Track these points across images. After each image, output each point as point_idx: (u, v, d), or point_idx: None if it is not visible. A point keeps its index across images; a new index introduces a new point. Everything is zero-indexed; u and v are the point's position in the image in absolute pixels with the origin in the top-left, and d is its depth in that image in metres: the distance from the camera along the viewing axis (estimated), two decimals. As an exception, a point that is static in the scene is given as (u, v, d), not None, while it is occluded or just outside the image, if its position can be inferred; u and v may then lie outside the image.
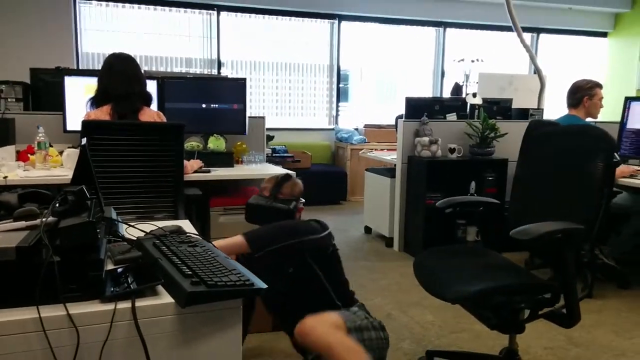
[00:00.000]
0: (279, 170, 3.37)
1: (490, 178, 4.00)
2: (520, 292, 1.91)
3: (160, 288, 1.11)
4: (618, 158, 1.94)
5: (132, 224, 1.62)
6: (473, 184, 4.00)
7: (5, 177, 2.62)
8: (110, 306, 1.01)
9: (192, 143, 3.37)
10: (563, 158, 2.14)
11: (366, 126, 6.49)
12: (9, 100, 3.68)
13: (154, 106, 3.31)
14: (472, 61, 6.67)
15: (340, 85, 6.91)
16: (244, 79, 3.43)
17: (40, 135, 3.11)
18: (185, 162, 3.00)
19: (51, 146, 3.21)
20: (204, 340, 1.07)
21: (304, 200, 2.21)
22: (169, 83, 3.42)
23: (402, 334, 2.68)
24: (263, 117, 3.74)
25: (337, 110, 6.90)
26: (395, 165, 4.25)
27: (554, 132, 2.32)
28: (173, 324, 1.05)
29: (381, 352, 1.85)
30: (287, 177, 2.23)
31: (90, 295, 1.03)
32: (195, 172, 3.05)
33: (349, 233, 4.81)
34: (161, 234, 1.43)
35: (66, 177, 2.65)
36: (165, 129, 2.61)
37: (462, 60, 6.71)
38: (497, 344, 2.42)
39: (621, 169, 3.23)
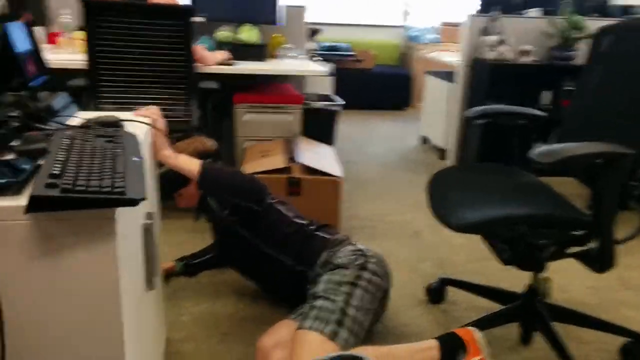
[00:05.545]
0: (317, 67, 3.03)
1: (567, 88, 3.40)
2: (543, 224, 1.56)
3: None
4: None
5: (75, 115, 1.44)
6: (544, 94, 3.44)
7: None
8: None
9: (222, 33, 3.10)
10: (637, 63, 1.65)
11: (443, 24, 5.80)
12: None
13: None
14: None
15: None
16: (281, -40, 3.04)
17: (66, 16, 2.99)
18: (206, 52, 2.77)
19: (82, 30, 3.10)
20: (64, 252, 0.89)
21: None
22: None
23: (426, 254, 2.43)
24: (302, 7, 3.35)
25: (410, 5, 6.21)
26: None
27: (637, 27, 1.79)
28: (27, 230, 0.87)
29: (376, 294, 1.59)
30: None
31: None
32: (220, 64, 2.82)
33: (404, 142, 4.45)
34: (86, 125, 1.24)
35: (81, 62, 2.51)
36: (171, 11, 2.36)
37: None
38: (527, 279, 2.11)
39: None
